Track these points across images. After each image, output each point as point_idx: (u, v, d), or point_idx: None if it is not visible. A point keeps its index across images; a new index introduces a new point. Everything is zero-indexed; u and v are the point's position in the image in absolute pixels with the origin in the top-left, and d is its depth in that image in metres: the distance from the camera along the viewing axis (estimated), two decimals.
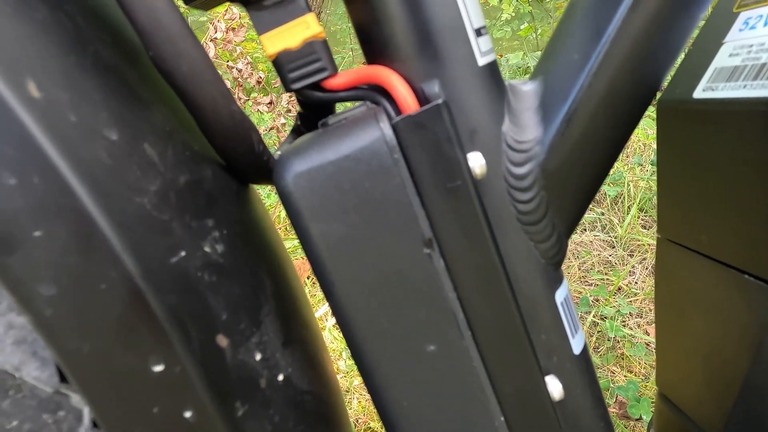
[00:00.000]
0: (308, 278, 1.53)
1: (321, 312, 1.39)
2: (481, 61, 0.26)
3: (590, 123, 0.27)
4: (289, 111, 2.12)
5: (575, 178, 0.28)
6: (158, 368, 0.21)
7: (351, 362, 1.28)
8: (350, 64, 3.08)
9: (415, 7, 0.25)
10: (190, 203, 0.23)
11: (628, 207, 1.62)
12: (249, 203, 0.30)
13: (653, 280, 1.37)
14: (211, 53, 2.21)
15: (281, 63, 0.27)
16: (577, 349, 0.30)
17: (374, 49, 0.27)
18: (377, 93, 0.27)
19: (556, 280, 0.29)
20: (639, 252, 1.49)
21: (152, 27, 0.22)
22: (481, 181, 0.26)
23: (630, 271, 1.44)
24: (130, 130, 0.22)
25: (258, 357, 0.25)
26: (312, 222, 0.24)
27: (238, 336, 0.24)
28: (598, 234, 1.59)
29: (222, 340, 0.23)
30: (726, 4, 0.35)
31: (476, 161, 0.26)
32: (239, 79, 2.18)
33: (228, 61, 2.30)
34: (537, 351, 0.29)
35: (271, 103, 2.14)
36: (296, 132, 0.35)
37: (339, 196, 0.24)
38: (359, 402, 1.21)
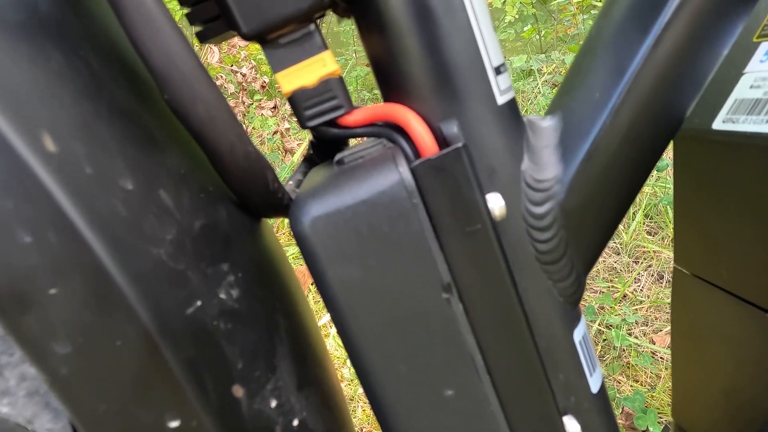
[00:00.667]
0: (311, 285, 1.52)
1: (324, 321, 1.39)
2: (501, 99, 0.26)
3: (611, 161, 0.27)
4: (293, 115, 2.11)
5: (595, 217, 0.28)
6: (174, 424, 0.20)
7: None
8: (353, 67, 3.08)
9: (434, 45, 0.25)
10: (205, 249, 0.23)
11: (633, 213, 1.62)
12: (261, 237, 0.29)
13: (658, 288, 1.36)
14: (216, 57, 2.21)
15: (297, 101, 0.26)
16: (594, 388, 0.30)
17: (391, 85, 0.27)
18: (394, 130, 0.27)
19: (574, 318, 0.29)
20: (644, 259, 1.48)
21: (167, 71, 0.22)
22: (500, 222, 0.26)
23: (635, 279, 1.43)
24: (146, 178, 0.22)
25: (273, 404, 0.24)
26: (329, 266, 0.24)
27: (254, 384, 0.23)
28: None
29: (238, 391, 0.22)
30: (746, 33, 0.34)
31: (496, 203, 0.25)
32: (243, 83, 2.18)
33: (232, 65, 2.29)
34: (555, 391, 0.28)
35: (275, 107, 2.13)
36: (308, 161, 0.35)
37: (356, 240, 0.24)
38: (363, 410, 1.20)
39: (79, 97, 0.20)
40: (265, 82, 2.20)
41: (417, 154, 0.26)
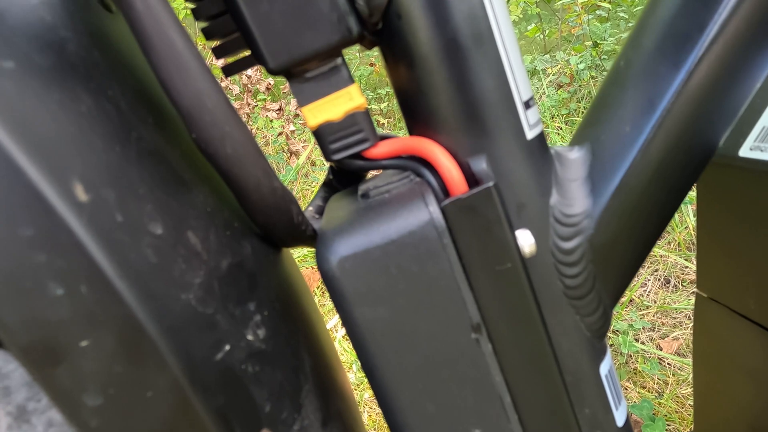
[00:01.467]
0: (318, 288, 1.52)
1: (332, 324, 1.38)
2: (530, 134, 0.26)
3: (642, 196, 0.26)
4: (297, 116, 2.11)
5: (624, 250, 0.27)
6: None
7: (361, 375, 1.27)
8: (357, 67, 3.07)
9: (464, 80, 0.24)
10: (232, 289, 0.23)
11: None
12: (283, 267, 0.29)
13: (665, 293, 1.36)
14: (221, 60, 2.20)
15: (323, 134, 0.26)
16: (620, 421, 0.29)
17: (417, 118, 0.26)
18: (420, 164, 0.26)
19: (601, 351, 0.29)
20: (651, 263, 1.48)
21: (196, 111, 0.22)
22: (528, 258, 0.26)
23: (642, 283, 1.42)
24: (174, 220, 0.21)
25: None
26: (357, 306, 0.24)
27: (281, 426, 0.23)
28: None
29: None
30: None
31: (525, 240, 0.25)
32: (248, 85, 2.17)
33: None
34: (581, 426, 0.28)
35: (280, 109, 2.12)
36: (328, 186, 0.34)
37: (385, 280, 0.23)
38: (369, 416, 1.20)
39: (108, 141, 0.20)
40: (270, 83, 2.20)
41: (445, 189, 0.25)
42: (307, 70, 0.25)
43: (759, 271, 0.31)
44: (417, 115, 0.26)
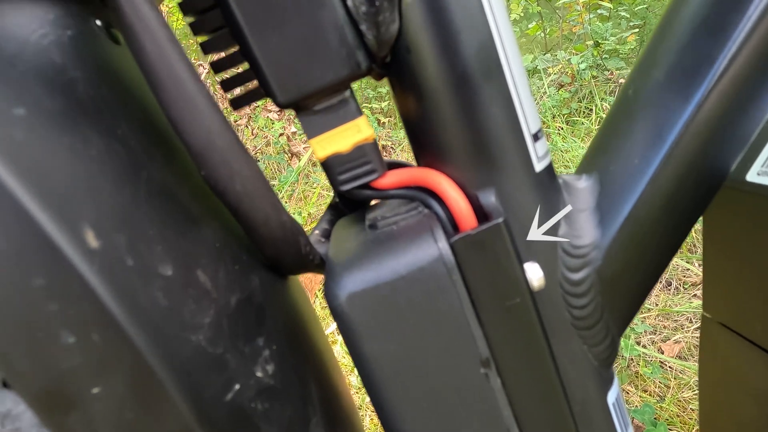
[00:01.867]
0: (318, 291, 1.52)
1: (331, 329, 1.39)
2: (539, 166, 0.25)
3: (651, 228, 0.26)
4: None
5: (632, 280, 0.27)
6: None
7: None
8: None
9: (472, 114, 0.24)
10: (241, 326, 0.23)
11: None
12: (290, 295, 0.29)
13: (666, 296, 1.36)
14: None
15: (331, 166, 0.26)
16: None
17: (425, 149, 0.26)
18: (428, 194, 0.26)
19: (608, 380, 0.29)
20: None
21: (206, 150, 0.22)
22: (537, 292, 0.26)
23: None
24: (184, 260, 0.21)
25: None
26: (366, 342, 0.24)
27: None
28: None
29: None
30: None
31: (534, 274, 0.25)
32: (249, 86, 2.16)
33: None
34: None
35: (281, 110, 2.12)
36: (334, 208, 0.34)
37: (394, 316, 0.23)
38: (371, 420, 1.21)
39: (119, 183, 0.20)
40: None
41: (453, 222, 0.25)
42: (316, 103, 0.25)
43: (766, 295, 0.31)
44: (425, 145, 0.26)
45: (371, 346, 0.24)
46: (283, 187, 1.90)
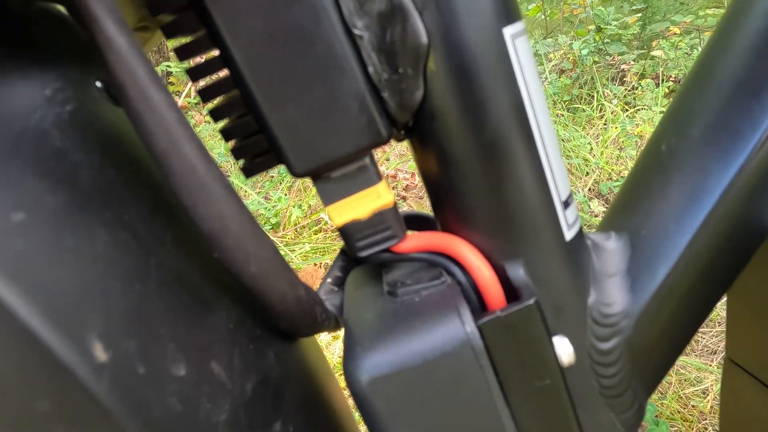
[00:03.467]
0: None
1: None
2: (569, 234, 0.24)
3: (686, 295, 0.25)
4: None
5: (663, 348, 0.26)
6: None
7: None
8: None
9: (501, 183, 0.23)
10: (259, 414, 0.22)
11: None
12: (305, 359, 0.28)
13: None
14: None
15: (349, 232, 0.25)
16: None
17: (449, 215, 0.25)
18: (449, 260, 0.25)
19: None
20: None
21: (221, 234, 0.20)
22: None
23: None
24: (198, 354, 0.20)
25: None
26: (389, 427, 0.22)
27: None
28: None
29: None
30: None
31: (563, 349, 0.24)
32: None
33: None
34: None
35: None
36: (345, 254, 0.33)
37: (419, 402, 0.22)
38: None
39: (127, 280, 0.18)
40: None
41: (477, 292, 0.24)
42: (334, 171, 0.23)
43: None
44: (448, 210, 0.25)
45: (394, 430, 0.23)
46: (283, 179, 1.88)
